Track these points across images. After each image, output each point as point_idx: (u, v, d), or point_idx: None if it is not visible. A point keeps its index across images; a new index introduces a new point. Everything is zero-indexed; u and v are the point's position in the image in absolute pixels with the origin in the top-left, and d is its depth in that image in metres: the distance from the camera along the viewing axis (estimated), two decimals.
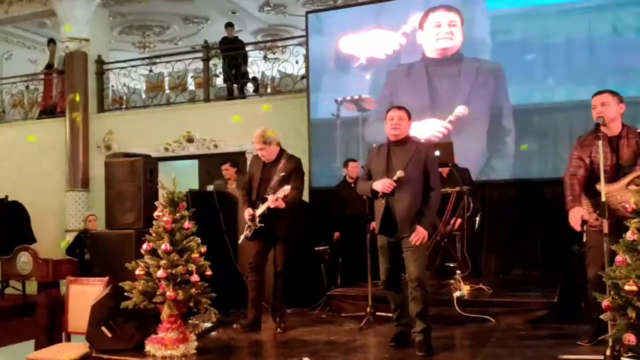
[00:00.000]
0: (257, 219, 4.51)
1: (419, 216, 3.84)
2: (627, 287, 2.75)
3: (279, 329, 4.60)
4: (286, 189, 4.38)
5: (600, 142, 3.43)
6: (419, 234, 3.80)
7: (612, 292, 2.86)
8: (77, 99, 9.13)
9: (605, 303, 2.87)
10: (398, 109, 4.01)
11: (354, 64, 7.55)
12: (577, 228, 3.57)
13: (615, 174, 3.57)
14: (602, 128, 3.52)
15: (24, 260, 5.53)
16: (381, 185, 3.86)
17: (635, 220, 2.84)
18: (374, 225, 4.51)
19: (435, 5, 7.16)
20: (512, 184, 6.74)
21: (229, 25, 9.85)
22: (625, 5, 6.36)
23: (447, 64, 7.06)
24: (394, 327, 4.14)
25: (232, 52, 9.40)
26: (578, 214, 3.57)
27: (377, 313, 4.77)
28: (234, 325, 4.61)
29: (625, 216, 3.16)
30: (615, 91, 3.70)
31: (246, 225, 4.62)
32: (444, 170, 5.72)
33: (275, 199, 4.38)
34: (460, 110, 6.85)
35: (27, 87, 10.53)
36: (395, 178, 3.83)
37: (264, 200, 4.49)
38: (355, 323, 4.82)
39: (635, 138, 3.57)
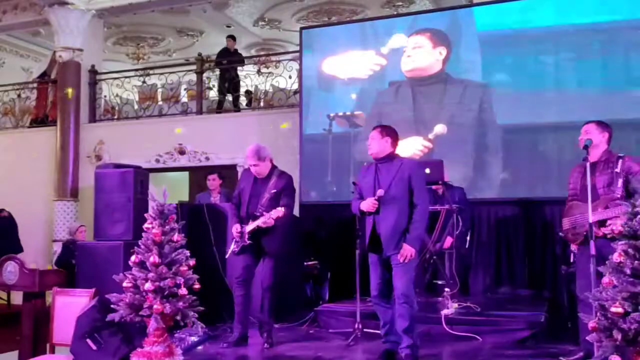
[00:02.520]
0: (247, 236, 4.49)
1: (405, 234, 3.86)
2: (613, 309, 2.76)
3: (266, 344, 4.57)
4: (279, 210, 4.33)
5: (587, 165, 3.56)
6: (406, 252, 3.81)
7: (598, 314, 2.87)
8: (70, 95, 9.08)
9: (591, 324, 2.88)
10: (373, 130, 4.10)
11: (337, 84, 7.61)
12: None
13: (591, 197, 3.73)
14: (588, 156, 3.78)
15: (10, 270, 5.47)
16: (365, 204, 3.91)
17: (622, 242, 2.86)
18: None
19: (416, 29, 7.29)
20: (500, 203, 6.77)
21: (230, 37, 9.89)
22: (614, 29, 6.45)
23: (432, 83, 7.14)
24: (381, 344, 4.14)
25: (226, 65, 9.44)
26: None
27: (365, 330, 4.76)
28: (221, 345, 4.55)
29: (596, 235, 3.53)
30: (601, 121, 3.91)
31: (234, 240, 4.60)
32: (439, 188, 5.75)
33: (265, 221, 4.35)
34: (439, 129, 6.92)
35: (18, 95, 10.48)
36: (375, 197, 3.87)
37: (254, 217, 4.47)
38: (343, 339, 4.80)
39: (612, 164, 3.70)
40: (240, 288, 4.57)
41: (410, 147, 6.91)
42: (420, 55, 7.20)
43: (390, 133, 4.05)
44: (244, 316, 4.61)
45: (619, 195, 3.63)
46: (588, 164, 3.58)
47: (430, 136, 6.95)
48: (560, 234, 4.02)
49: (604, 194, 3.70)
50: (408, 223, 3.88)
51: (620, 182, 3.64)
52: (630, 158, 3.75)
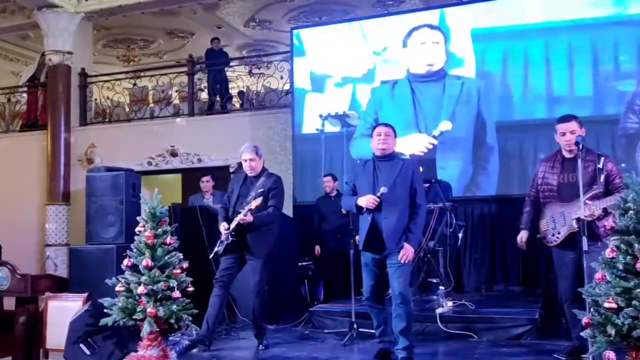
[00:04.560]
0: (231, 233, 4.41)
1: (407, 233, 3.85)
2: (606, 305, 2.77)
3: (261, 346, 4.56)
4: (256, 200, 4.30)
5: (579, 163, 3.56)
6: (406, 251, 3.80)
7: (591, 310, 2.88)
8: None
9: (585, 320, 2.89)
10: (385, 126, 4.05)
11: (330, 82, 7.59)
12: (521, 247, 4.08)
13: (570, 193, 3.76)
14: (564, 152, 3.87)
15: (2, 275, 5.44)
16: (365, 201, 3.87)
17: (615, 238, 2.87)
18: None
19: (420, 25, 7.25)
20: (494, 200, 6.79)
21: (215, 39, 9.90)
22: (604, 25, 6.49)
23: (431, 81, 7.12)
24: (376, 343, 4.13)
25: (217, 66, 9.42)
26: (520, 236, 4.06)
27: (360, 329, 4.75)
28: (175, 349, 4.31)
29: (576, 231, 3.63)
30: (576, 116, 3.91)
31: (219, 241, 4.52)
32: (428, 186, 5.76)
33: (245, 214, 4.30)
34: (444, 125, 6.91)
35: (8, 99, 10.42)
36: (379, 194, 3.84)
37: (238, 214, 4.42)
38: (338, 339, 4.80)
39: (594, 160, 3.72)
40: (217, 289, 4.48)
41: (415, 145, 6.90)
42: (440, 51, 7.12)
43: (396, 133, 4.07)
44: (213, 319, 4.46)
45: (602, 190, 3.66)
46: (580, 160, 3.58)
47: (435, 133, 6.94)
48: (539, 236, 3.97)
49: (585, 188, 3.69)
50: (409, 222, 3.87)
51: (602, 178, 3.66)
52: (610, 158, 3.79)
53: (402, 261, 3.78)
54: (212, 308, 4.46)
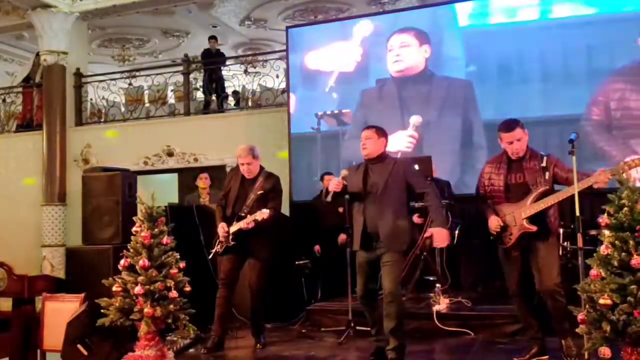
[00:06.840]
0: (230, 237, 4.44)
1: (407, 234, 3.87)
2: (601, 301, 2.79)
3: (258, 345, 4.57)
4: (264, 212, 4.28)
5: (574, 160, 3.55)
6: (441, 234, 3.82)
7: (587, 306, 2.90)
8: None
9: (580, 316, 2.91)
10: (367, 129, 4.06)
11: (327, 80, 7.60)
12: (496, 229, 3.86)
13: (518, 194, 3.80)
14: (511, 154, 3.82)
15: None
16: (333, 184, 3.94)
17: (609, 234, 2.89)
18: (342, 238, 4.49)
19: (393, 31, 7.29)
20: None
21: (212, 38, 9.88)
22: (598, 23, 6.51)
23: (417, 82, 7.15)
24: (373, 342, 4.14)
25: (213, 65, 9.41)
26: (491, 221, 3.90)
27: (358, 327, 4.76)
28: (201, 351, 4.44)
29: (529, 230, 3.68)
30: (518, 120, 3.89)
31: (217, 241, 4.55)
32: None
33: (248, 222, 4.32)
34: (414, 119, 6.96)
35: (3, 100, 10.39)
36: (340, 177, 3.93)
37: (239, 218, 4.44)
38: (336, 338, 4.81)
39: (537, 160, 3.77)
40: (223, 289, 4.52)
41: (397, 142, 6.91)
42: (408, 54, 7.20)
43: (385, 134, 4.07)
44: (224, 318, 4.52)
45: (548, 187, 3.70)
46: (574, 158, 3.58)
47: (411, 128, 6.97)
48: (492, 237, 3.96)
49: (533, 187, 3.75)
50: (404, 219, 3.88)
51: (547, 175, 3.71)
52: (553, 156, 3.80)
53: (440, 246, 3.80)
54: (220, 309, 4.50)
